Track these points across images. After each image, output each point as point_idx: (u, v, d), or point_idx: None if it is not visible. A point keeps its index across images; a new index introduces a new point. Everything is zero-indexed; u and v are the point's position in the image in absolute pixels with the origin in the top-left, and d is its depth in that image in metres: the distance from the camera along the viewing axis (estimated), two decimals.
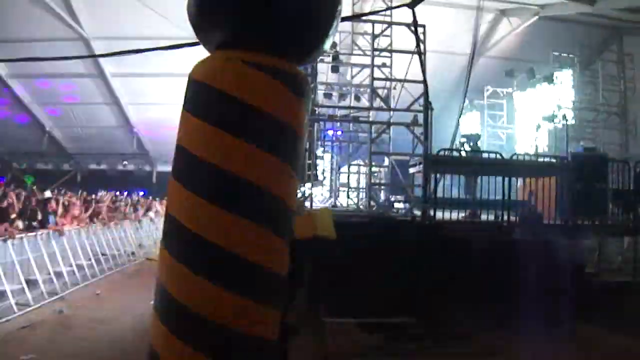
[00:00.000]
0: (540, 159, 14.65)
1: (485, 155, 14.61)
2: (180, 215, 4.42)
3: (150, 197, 31.27)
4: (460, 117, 18.26)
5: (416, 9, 10.99)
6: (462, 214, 12.79)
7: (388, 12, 14.69)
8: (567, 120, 17.25)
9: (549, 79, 21.03)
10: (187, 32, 4.86)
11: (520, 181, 15.38)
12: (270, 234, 4.38)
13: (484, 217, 12.84)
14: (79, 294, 14.89)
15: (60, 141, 34.65)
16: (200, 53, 4.99)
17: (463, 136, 15.52)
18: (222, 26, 4.56)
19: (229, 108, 4.34)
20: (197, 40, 4.97)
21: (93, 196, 23.77)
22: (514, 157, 14.09)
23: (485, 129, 25.40)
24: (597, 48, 23.03)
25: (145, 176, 36.11)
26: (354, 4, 16.63)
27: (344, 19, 5.18)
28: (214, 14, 4.51)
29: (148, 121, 31.67)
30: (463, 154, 14.85)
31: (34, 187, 25.06)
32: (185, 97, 4.63)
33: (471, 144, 14.95)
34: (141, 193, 33.56)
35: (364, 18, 15.60)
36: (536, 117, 21.75)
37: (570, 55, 21.64)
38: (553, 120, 20.24)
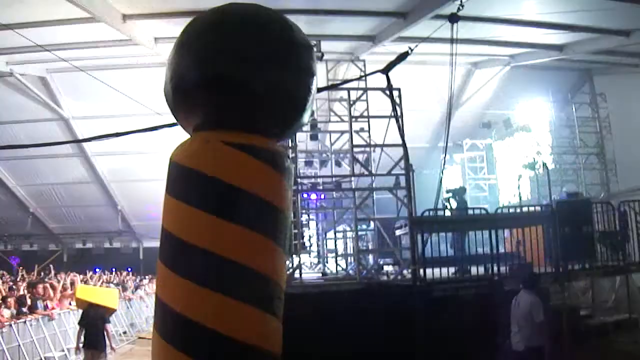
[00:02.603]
0: (525, 209, 14.68)
1: (470, 211, 14.60)
2: (167, 298, 4.38)
3: (139, 276, 31.02)
4: (442, 172, 18.35)
5: (392, 73, 11.18)
6: (452, 270, 12.73)
7: (363, 78, 14.86)
8: (547, 168, 17.35)
9: (526, 128, 21.26)
10: (166, 109, 4.86)
11: (507, 232, 15.40)
12: (262, 314, 4.34)
13: (474, 271, 12.80)
14: None
15: (45, 221, 34.47)
16: (180, 130, 5.01)
17: (448, 191, 15.53)
18: (199, 109, 4.57)
19: (211, 190, 4.32)
20: (175, 122, 4.98)
21: (81, 277, 23.52)
22: (499, 211, 14.13)
23: (467, 181, 25.52)
24: (570, 91, 23.34)
25: (132, 253, 35.85)
26: (328, 71, 16.81)
27: (320, 90, 5.22)
28: (190, 97, 4.52)
29: (132, 198, 31.64)
30: (447, 212, 14.85)
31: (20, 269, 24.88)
32: (168, 180, 4.61)
33: (457, 198, 14.96)
34: (129, 269, 33.31)
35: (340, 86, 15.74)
36: (517, 166, 21.90)
37: (544, 101, 21.90)
38: (534, 168, 20.39)
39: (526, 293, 10.14)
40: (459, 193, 15.14)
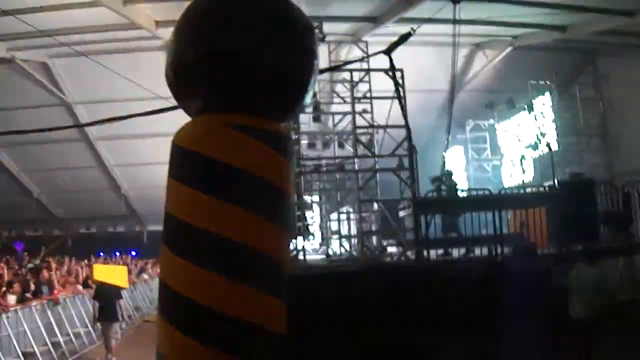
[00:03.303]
0: (528, 190, 14.68)
1: (474, 192, 14.58)
2: (172, 281, 4.39)
3: (143, 259, 31.10)
4: (445, 152, 18.32)
5: (394, 54, 11.14)
6: (455, 251, 12.75)
7: (365, 59, 14.80)
8: (550, 149, 17.33)
9: (529, 108, 21.19)
10: (167, 92, 4.85)
11: (510, 213, 15.40)
12: (266, 296, 4.34)
13: (477, 252, 12.80)
14: None
15: (49, 207, 34.52)
16: (182, 113, 5.00)
17: (433, 180, 15.05)
18: (200, 91, 4.56)
19: (214, 172, 4.33)
20: (177, 105, 4.97)
21: (85, 262, 23.59)
22: (502, 192, 14.12)
23: (470, 162, 25.50)
24: (573, 72, 23.26)
25: (136, 237, 35.93)
26: (330, 52, 16.74)
27: (322, 71, 5.20)
28: (192, 80, 4.51)
29: (136, 182, 31.63)
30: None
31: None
32: (170, 163, 4.61)
33: (446, 183, 14.81)
34: (133, 253, 33.39)
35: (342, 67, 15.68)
36: (520, 146, 21.88)
37: (547, 83, 21.81)
38: (537, 148, 20.36)
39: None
40: (446, 177, 15.02)
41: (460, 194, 14.70)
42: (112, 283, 15.49)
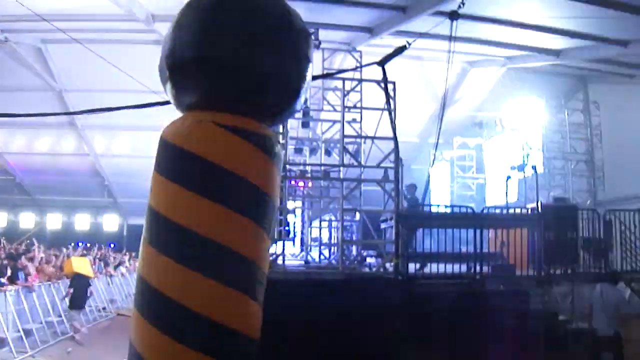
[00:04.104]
0: (512, 210, 14.70)
1: (456, 209, 14.58)
2: (151, 277, 4.37)
3: (124, 250, 30.95)
4: (430, 167, 18.34)
5: (387, 66, 11.15)
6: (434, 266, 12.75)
7: (358, 69, 14.80)
8: (536, 171, 17.37)
9: (518, 130, 21.27)
10: (157, 86, 4.81)
11: (491, 232, 15.44)
12: (242, 297, 4.35)
13: (456, 268, 12.83)
14: (49, 352, 14.55)
15: (30, 192, 34.31)
16: (172, 108, 4.98)
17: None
18: (193, 88, 4.57)
19: (200, 170, 4.35)
20: (168, 100, 4.95)
21: (64, 250, 23.43)
22: (485, 211, 14.15)
23: (455, 179, 25.53)
24: (563, 97, 23.32)
25: (116, 229, 35.75)
26: (324, 59, 16.71)
27: (314, 77, 5.19)
28: (186, 76, 4.51)
29: (120, 174, 31.44)
30: (436, 209, 14.86)
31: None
32: (157, 158, 4.60)
33: (408, 197, 14.77)
34: (112, 245, 33.22)
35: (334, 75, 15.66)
36: (506, 167, 21.94)
37: (538, 105, 21.90)
38: (523, 170, 20.44)
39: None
40: (407, 190, 14.99)
41: (424, 209, 14.60)
42: (84, 274, 17.31)
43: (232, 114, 4.45)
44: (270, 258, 11.51)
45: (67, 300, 16.80)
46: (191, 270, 4.20)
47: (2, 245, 23.20)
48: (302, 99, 4.79)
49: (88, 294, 17.52)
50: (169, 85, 4.68)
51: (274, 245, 12.32)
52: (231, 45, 4.29)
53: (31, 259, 17.56)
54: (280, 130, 12.80)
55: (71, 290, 16.58)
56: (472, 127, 24.10)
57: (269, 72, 4.41)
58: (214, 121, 4.42)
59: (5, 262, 16.35)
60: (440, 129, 15.04)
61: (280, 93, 4.62)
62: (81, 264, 17.71)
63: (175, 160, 4.50)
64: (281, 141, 13.44)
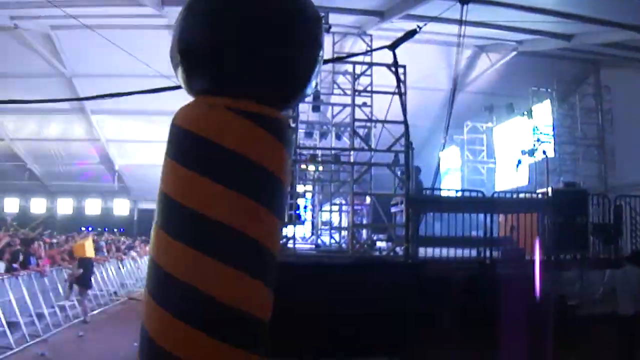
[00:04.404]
0: (522, 195, 14.71)
1: (467, 193, 14.59)
2: (163, 261, 4.41)
3: (134, 235, 31.08)
4: (441, 151, 18.32)
5: (397, 50, 11.15)
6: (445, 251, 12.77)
7: (369, 53, 14.78)
8: (546, 156, 17.37)
9: (528, 114, 21.19)
10: (167, 71, 4.82)
11: (501, 217, 15.44)
12: (254, 281, 4.38)
13: (466, 253, 12.87)
14: (62, 336, 14.62)
15: (41, 178, 34.47)
16: (182, 93, 5.00)
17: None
18: (204, 73, 4.57)
19: (213, 155, 4.36)
20: (179, 85, 4.98)
21: (74, 234, 23.58)
22: (495, 195, 14.15)
23: (465, 163, 25.49)
24: (574, 81, 23.21)
25: (126, 214, 35.88)
26: (334, 43, 16.70)
27: (325, 62, 5.21)
28: (198, 61, 4.53)
29: (130, 159, 31.57)
30: (446, 193, 14.88)
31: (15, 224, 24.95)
32: (168, 143, 4.63)
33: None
34: (122, 230, 33.36)
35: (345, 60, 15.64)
36: (516, 151, 21.89)
37: (548, 90, 21.80)
38: (533, 154, 20.38)
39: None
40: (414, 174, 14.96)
41: (429, 192, 14.60)
42: (89, 256, 17.73)
43: (244, 99, 4.45)
44: (281, 241, 11.61)
45: (72, 283, 17.31)
46: (203, 253, 4.22)
47: (14, 230, 23.33)
48: (313, 84, 4.80)
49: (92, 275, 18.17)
50: (180, 70, 4.66)
51: (284, 228, 12.38)
52: (242, 30, 4.30)
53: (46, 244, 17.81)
54: (291, 114, 12.83)
55: (81, 271, 16.97)
56: (483, 112, 24.01)
57: (280, 57, 4.41)
58: (225, 106, 4.42)
59: (19, 246, 16.47)
60: (450, 113, 15.07)
61: (292, 78, 4.62)
62: (90, 247, 18.24)
63: (186, 144, 4.50)
64: (292, 125, 13.48)
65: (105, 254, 22.55)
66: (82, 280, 16.99)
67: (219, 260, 4.23)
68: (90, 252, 18.03)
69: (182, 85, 4.82)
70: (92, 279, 18.02)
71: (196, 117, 4.52)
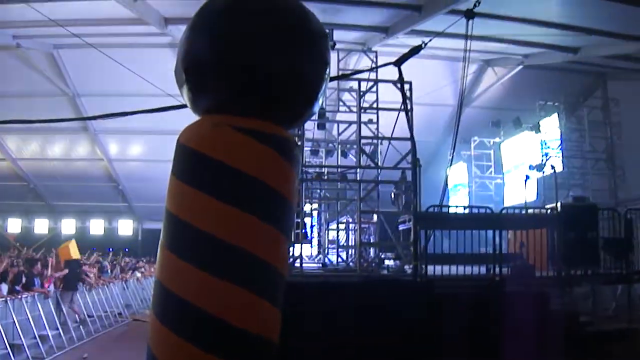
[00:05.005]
0: (530, 211, 14.66)
1: (475, 210, 14.53)
2: (168, 281, 4.40)
3: (137, 258, 31.01)
4: (448, 168, 18.27)
5: (403, 66, 11.16)
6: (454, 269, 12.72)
7: (374, 70, 14.78)
8: (555, 170, 17.33)
9: (536, 128, 21.17)
10: (172, 90, 4.83)
11: (510, 233, 15.39)
12: (263, 302, 4.37)
13: (475, 270, 12.81)
14: (65, 358, 14.62)
15: (45, 198, 34.54)
16: (187, 112, 5.01)
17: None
18: (209, 92, 4.58)
19: (218, 174, 4.36)
20: (184, 103, 4.98)
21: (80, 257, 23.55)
22: (504, 211, 14.10)
23: (473, 179, 25.48)
24: (582, 94, 23.20)
25: (130, 234, 35.86)
26: (339, 60, 16.70)
27: (331, 79, 5.21)
28: (203, 79, 4.53)
29: (134, 178, 31.58)
30: (455, 210, 14.82)
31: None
32: (174, 162, 4.64)
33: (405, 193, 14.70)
34: (127, 250, 33.30)
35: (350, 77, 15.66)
36: (524, 166, 21.85)
37: (556, 104, 21.78)
38: (541, 170, 20.35)
39: None
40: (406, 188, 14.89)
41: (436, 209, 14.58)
42: (76, 257, 18.72)
43: (249, 118, 4.46)
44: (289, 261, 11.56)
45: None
46: (210, 274, 4.21)
47: (17, 251, 23.37)
48: (320, 101, 4.80)
49: (81, 275, 18.61)
50: (185, 89, 4.68)
51: (291, 247, 12.34)
52: (248, 48, 4.30)
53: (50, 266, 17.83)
54: (297, 132, 12.83)
55: (66, 271, 17.44)
56: (490, 126, 24.00)
57: (286, 75, 4.41)
58: (231, 124, 4.43)
59: (22, 267, 16.49)
60: (457, 128, 15.03)
61: (299, 96, 4.63)
62: (75, 250, 19.05)
63: (192, 163, 4.51)
64: (298, 143, 13.47)
65: (110, 274, 22.54)
66: (68, 284, 17.24)
67: (226, 281, 4.22)
68: (75, 253, 18.74)
69: (187, 104, 4.83)
70: (80, 283, 18.29)
71: (201, 136, 4.52)
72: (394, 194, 15.40)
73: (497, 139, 24.98)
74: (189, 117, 4.87)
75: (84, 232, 35.20)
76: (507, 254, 13.66)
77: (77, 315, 17.15)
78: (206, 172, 4.40)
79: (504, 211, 14.00)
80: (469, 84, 22.48)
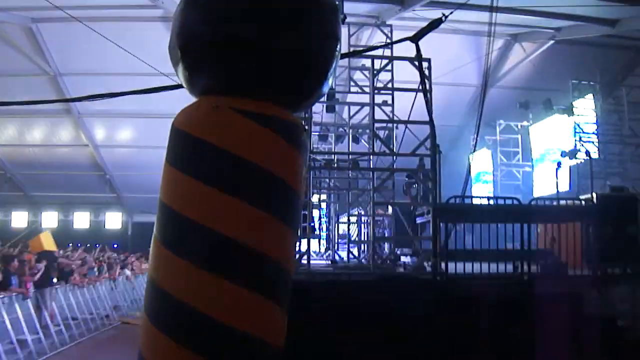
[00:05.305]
0: (563, 202, 14.64)
1: (501, 201, 14.50)
2: (163, 279, 4.40)
3: (126, 254, 31.05)
4: (471, 155, 18.25)
5: (421, 42, 11.12)
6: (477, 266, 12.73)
7: (389, 46, 14.73)
8: (590, 158, 17.30)
9: (568, 110, 21.08)
10: (166, 68, 4.82)
11: (540, 227, 15.37)
12: (266, 302, 4.37)
13: (502, 268, 12.82)
14: None
15: (23, 188, 34.59)
16: (183, 93, 5.00)
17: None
18: (208, 71, 4.57)
19: (218, 161, 4.36)
20: (179, 83, 4.97)
21: (61, 252, 23.59)
22: (533, 203, 14.08)
23: (498, 167, 25.40)
24: (621, 72, 23.07)
25: (119, 228, 35.94)
26: (350, 35, 16.62)
27: (341, 56, 5.19)
28: (198, 57, 4.52)
29: (123, 167, 31.57)
30: (478, 201, 14.82)
31: None
32: (168, 148, 4.62)
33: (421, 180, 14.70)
34: (115, 246, 33.35)
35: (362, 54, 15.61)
36: (555, 153, 21.79)
37: (591, 83, 21.66)
38: (575, 156, 20.28)
39: None
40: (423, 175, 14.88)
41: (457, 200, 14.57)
42: (51, 249, 19.09)
43: (252, 99, 4.45)
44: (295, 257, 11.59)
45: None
46: (208, 272, 4.22)
47: None
48: (329, 81, 4.78)
49: (54, 270, 18.65)
50: (180, 68, 4.65)
51: (298, 242, 12.36)
52: (250, 22, 4.28)
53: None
54: (304, 115, 12.81)
55: (45, 263, 17.62)
56: (518, 109, 23.87)
57: (293, 52, 4.40)
58: (232, 107, 4.42)
59: None
60: (481, 111, 15.01)
61: (306, 75, 4.60)
62: (49, 240, 19.61)
63: (188, 150, 4.50)
64: (305, 128, 13.46)
65: (96, 273, 22.57)
66: (41, 280, 17.15)
67: (227, 279, 4.22)
68: (49, 244, 19.18)
69: (184, 84, 4.82)
70: (55, 277, 18.33)
71: (199, 120, 4.52)
72: (406, 184, 15.42)
73: (525, 123, 24.88)
74: (185, 98, 4.86)
75: (67, 225, 35.34)
76: (537, 250, 13.65)
77: (49, 319, 16.77)
78: (204, 159, 4.40)
79: (533, 202, 13.99)
80: (494, 61, 22.43)
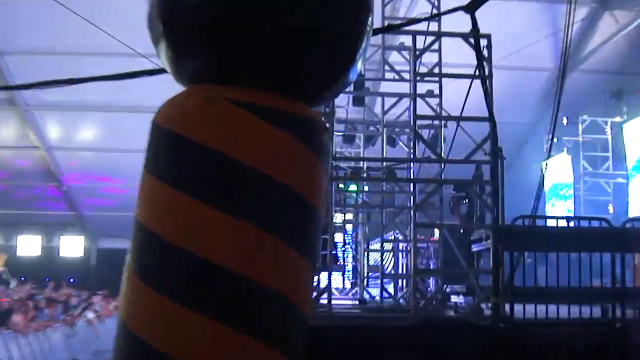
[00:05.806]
0: None
1: (584, 223, 14.48)
2: (140, 325, 4.42)
3: (89, 290, 31.11)
4: (545, 161, 18.21)
5: (478, 12, 11.15)
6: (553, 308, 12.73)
7: (436, 18, 14.71)
8: None
9: None
10: (144, 47, 4.85)
11: (637, 257, 15.35)
12: (273, 352, 4.38)
13: (586, 311, 12.82)
14: None
15: None
16: (166, 80, 5.03)
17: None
18: (199, 51, 4.58)
19: (212, 169, 4.35)
20: (161, 67, 4.99)
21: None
22: (629, 225, 14.07)
23: (581, 178, 25.24)
24: None
25: (79, 257, 35.85)
26: (384, 5, 16.53)
27: (373, 33, 5.20)
28: (190, 35, 4.53)
29: (86, 176, 31.64)
30: (554, 223, 14.77)
31: None
32: (147, 152, 4.63)
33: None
34: (72, 280, 33.33)
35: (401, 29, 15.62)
36: None
37: None
38: None
39: None
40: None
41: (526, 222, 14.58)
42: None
43: (255, 89, 4.43)
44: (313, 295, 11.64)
45: None
46: (201, 314, 4.20)
47: None
48: (358, 65, 4.77)
49: None
50: (163, 47, 4.63)
51: (316, 276, 12.40)
52: None
53: None
54: (324, 110, 12.84)
55: None
56: (608, 100, 23.80)
57: (311, 29, 4.39)
58: (229, 98, 4.40)
59: None
60: (558, 103, 15.02)
61: (328, 57, 4.58)
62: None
63: (173, 154, 4.48)
64: (327, 126, 13.44)
65: (47, 317, 22.63)
66: None
67: (222, 323, 4.22)
68: None
69: (167, 68, 4.82)
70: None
71: (187, 114, 4.50)
72: (453, 198, 15.43)
73: (617, 119, 24.81)
74: (168, 86, 4.88)
75: (9, 252, 35.23)
76: (633, 288, 13.64)
77: None
78: (194, 166, 4.38)
79: (628, 224, 13.99)
80: (575, 37, 22.35)
